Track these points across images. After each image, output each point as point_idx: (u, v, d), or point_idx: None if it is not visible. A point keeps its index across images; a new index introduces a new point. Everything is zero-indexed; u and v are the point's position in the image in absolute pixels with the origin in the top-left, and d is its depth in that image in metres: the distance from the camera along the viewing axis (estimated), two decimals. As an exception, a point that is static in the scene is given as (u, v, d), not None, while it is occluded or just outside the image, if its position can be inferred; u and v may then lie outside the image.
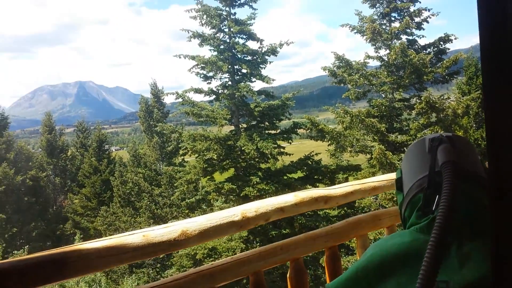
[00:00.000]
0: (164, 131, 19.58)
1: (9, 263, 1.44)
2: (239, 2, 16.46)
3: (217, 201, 16.59)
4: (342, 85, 16.47)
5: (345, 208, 15.62)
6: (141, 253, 1.68)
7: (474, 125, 17.57)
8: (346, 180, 15.76)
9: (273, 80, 16.48)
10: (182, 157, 23.50)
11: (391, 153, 13.55)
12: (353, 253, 14.15)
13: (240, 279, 2.40)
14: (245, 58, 16.73)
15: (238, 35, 16.54)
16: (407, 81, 14.86)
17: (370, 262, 1.04)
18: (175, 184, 18.51)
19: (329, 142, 15.87)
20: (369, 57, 16.10)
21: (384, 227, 2.58)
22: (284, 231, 15.34)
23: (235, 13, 16.64)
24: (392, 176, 2.59)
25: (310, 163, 16.70)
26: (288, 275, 2.20)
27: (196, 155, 16.29)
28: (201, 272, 1.91)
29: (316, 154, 16.84)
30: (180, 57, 16.11)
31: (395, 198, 12.92)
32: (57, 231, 27.19)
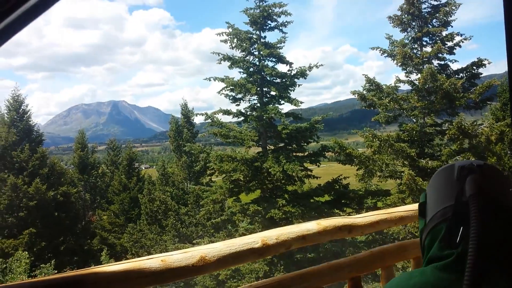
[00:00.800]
0: (193, 151, 19.78)
1: (26, 284, 1.45)
2: (269, 26, 16.69)
3: (242, 221, 16.51)
4: (372, 108, 16.29)
5: (373, 234, 15.27)
6: (159, 278, 1.67)
7: (508, 152, 16.99)
8: (375, 205, 15.41)
9: (302, 102, 16.49)
10: (210, 177, 23.63)
11: (421, 179, 13.22)
12: (379, 279, 13.74)
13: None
14: (274, 80, 16.83)
15: (268, 58, 16.71)
16: (438, 106, 14.57)
17: None
18: (200, 203, 18.58)
19: (358, 166, 15.65)
20: (400, 81, 15.92)
21: (410, 259, 2.49)
22: (309, 255, 15.08)
23: (265, 37, 16.85)
24: (420, 206, 2.51)
25: (337, 187, 16.48)
26: (309, 305, 2.14)
27: (223, 175, 16.35)
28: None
29: (344, 178, 16.62)
30: (210, 80, 16.35)
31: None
32: (84, 246, 27.57)
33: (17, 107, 26.72)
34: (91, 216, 32.72)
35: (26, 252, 16.68)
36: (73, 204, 28.43)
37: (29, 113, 27.27)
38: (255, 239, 1.93)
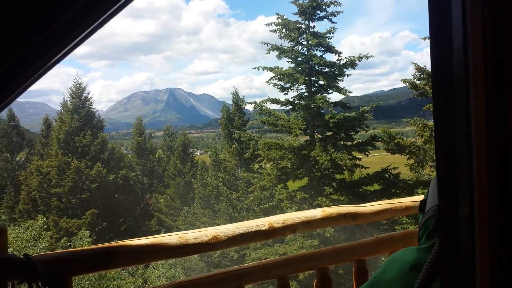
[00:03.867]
0: (242, 138, 20.25)
1: (68, 252, 1.83)
2: (318, 16, 16.63)
3: (290, 208, 16.79)
4: (423, 97, 15.88)
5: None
6: (176, 252, 1.99)
7: None
8: (426, 195, 15.08)
9: (350, 92, 16.41)
10: (259, 164, 24.05)
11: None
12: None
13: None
14: (322, 70, 16.83)
15: (316, 48, 16.70)
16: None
17: (381, 277, 1.26)
18: (249, 189, 19.06)
19: (408, 155, 15.39)
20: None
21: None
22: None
23: (313, 27, 16.85)
24: (426, 197, 2.65)
25: (387, 176, 16.30)
26: (314, 283, 2.38)
27: (271, 162, 16.66)
28: (229, 272, 2.18)
29: (394, 168, 16.39)
30: (258, 69, 16.64)
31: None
32: (143, 227, 29.06)
33: (79, 94, 28.44)
34: (148, 199, 34.33)
35: (88, 232, 17.95)
36: (132, 187, 30.00)
37: (90, 100, 28.95)
38: (263, 222, 2.19)
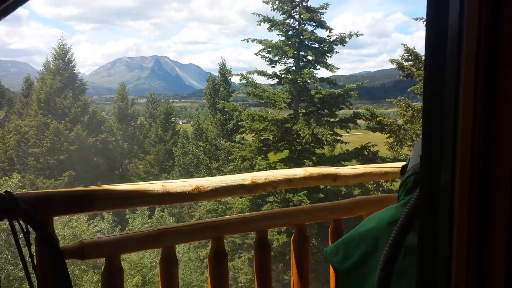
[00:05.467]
0: (226, 109, 20.19)
1: (50, 192, 1.84)
2: (312, -12, 16.45)
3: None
4: (409, 79, 16.02)
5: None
6: (159, 199, 2.01)
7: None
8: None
9: (337, 68, 16.46)
10: (241, 135, 24.11)
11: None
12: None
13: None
14: (312, 45, 16.80)
15: (308, 22, 16.61)
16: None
17: (357, 230, 1.30)
18: (229, 158, 19.14)
19: (388, 134, 15.62)
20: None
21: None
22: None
23: (307, 0, 16.68)
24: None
25: (366, 153, 16.56)
26: (292, 238, 2.45)
27: (253, 134, 16.73)
28: (210, 222, 2.22)
29: (373, 145, 16.64)
30: (248, 41, 16.49)
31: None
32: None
33: (63, 55, 27.77)
34: (127, 164, 34.20)
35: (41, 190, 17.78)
36: (111, 151, 29.77)
37: (74, 62, 28.31)
38: (246, 177, 2.23)
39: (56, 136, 25.46)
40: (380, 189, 15.65)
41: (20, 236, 1.68)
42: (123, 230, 18.97)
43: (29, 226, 1.67)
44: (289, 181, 2.35)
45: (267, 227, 2.35)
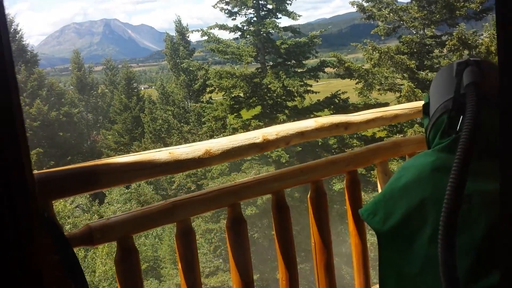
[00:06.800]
0: (191, 68, 19.63)
1: (46, 173, 1.58)
2: None
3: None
4: (371, 21, 15.88)
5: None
6: (167, 168, 1.79)
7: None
8: (374, 118, 15.60)
9: (300, 16, 16.13)
10: (210, 95, 23.66)
11: (420, 91, 13.26)
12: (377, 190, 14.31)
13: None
14: (270, -8, 16.26)
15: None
16: (438, 16, 14.17)
17: (395, 184, 1.12)
18: (202, 120, 18.83)
19: (357, 80, 15.61)
20: (400, -10, 15.32)
21: (405, 154, 2.61)
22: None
23: None
24: (415, 104, 2.59)
25: (337, 101, 16.58)
26: (308, 196, 2.29)
27: (223, 92, 16.38)
28: (224, 188, 2.02)
29: (343, 92, 16.65)
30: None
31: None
32: (92, 165, 28.36)
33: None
34: (95, 136, 33.29)
35: (36, 171, 17.16)
36: (76, 124, 28.81)
37: (20, 32, 26.61)
38: (256, 135, 2.02)
39: (15, 113, 24.30)
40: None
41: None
42: (101, 203, 18.61)
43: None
44: (301, 134, 2.16)
45: (283, 187, 2.18)
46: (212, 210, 2.16)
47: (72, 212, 14.29)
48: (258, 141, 2.01)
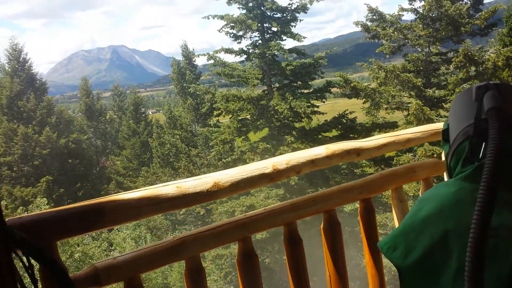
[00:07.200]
0: (198, 92, 19.75)
1: (50, 213, 1.52)
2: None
3: (252, 160, 16.78)
4: (375, 40, 15.92)
5: (382, 166, 15.47)
6: (175, 203, 1.73)
7: (516, 78, 16.70)
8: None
9: (304, 37, 16.20)
10: (217, 118, 23.74)
11: (428, 109, 13.17)
12: (390, 209, 14.10)
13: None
14: (274, 15, 16.47)
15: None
16: (443, 33, 14.18)
17: (416, 216, 1.05)
18: (210, 144, 18.84)
19: (364, 99, 15.57)
20: (403, 9, 15.41)
21: (420, 179, 2.54)
22: (320, 189, 15.44)
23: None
24: (428, 127, 2.52)
25: (344, 121, 16.52)
26: (321, 227, 2.21)
27: (230, 115, 16.42)
28: (234, 222, 1.95)
29: (351, 112, 16.60)
30: (208, 18, 16.01)
31: (435, 156, 12.67)
32: (101, 191, 28.38)
33: (17, 56, 26.47)
34: (104, 162, 33.42)
35: (45, 199, 17.16)
36: (85, 151, 28.98)
37: (29, 61, 27.07)
38: (266, 165, 1.96)
39: (26, 142, 24.50)
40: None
41: (23, 273, 1.37)
42: (111, 229, 18.50)
43: (30, 258, 1.37)
44: (312, 162, 2.10)
45: (295, 218, 2.10)
46: (223, 245, 2.09)
47: (81, 239, 14.17)
48: (268, 171, 1.95)
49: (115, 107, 37.09)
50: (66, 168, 26.07)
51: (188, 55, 28.72)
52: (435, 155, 12.46)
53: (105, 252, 15.95)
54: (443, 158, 2.11)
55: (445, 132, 1.15)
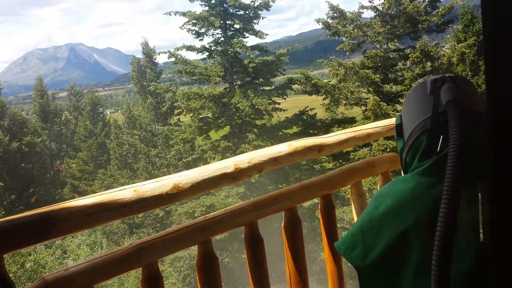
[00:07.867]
0: (158, 91, 19.42)
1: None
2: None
3: (214, 159, 16.67)
4: (336, 37, 16.16)
5: (340, 161, 15.73)
6: (132, 208, 1.64)
7: (469, 73, 17.42)
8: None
9: (266, 35, 16.26)
10: (177, 117, 23.41)
11: (385, 104, 13.52)
12: (348, 203, 14.37)
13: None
14: (237, 12, 16.45)
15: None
16: (401, 30, 14.60)
17: (373, 214, 1.02)
18: (170, 143, 18.56)
19: (324, 96, 15.78)
20: (363, 7, 15.71)
21: (379, 173, 2.56)
22: (281, 186, 15.54)
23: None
24: (387, 122, 2.54)
25: (305, 118, 16.69)
26: (282, 225, 2.19)
27: (191, 114, 16.24)
28: (194, 225, 1.89)
29: (311, 109, 16.79)
30: (170, 14, 15.73)
31: (388, 150, 13.02)
32: (56, 196, 27.40)
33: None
34: (59, 165, 32.22)
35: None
36: (39, 154, 27.88)
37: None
38: (228, 164, 1.91)
39: (-25, 145, 23.33)
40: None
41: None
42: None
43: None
44: (274, 160, 2.06)
45: (257, 217, 2.07)
46: (182, 249, 2.02)
47: (33, 248, 13.56)
48: (229, 170, 1.90)
49: (71, 107, 35.87)
50: (19, 172, 25.00)
51: (148, 52, 28.14)
52: (388, 149, 12.83)
53: (59, 260, 15.34)
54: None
55: (399, 126, 1.12)
